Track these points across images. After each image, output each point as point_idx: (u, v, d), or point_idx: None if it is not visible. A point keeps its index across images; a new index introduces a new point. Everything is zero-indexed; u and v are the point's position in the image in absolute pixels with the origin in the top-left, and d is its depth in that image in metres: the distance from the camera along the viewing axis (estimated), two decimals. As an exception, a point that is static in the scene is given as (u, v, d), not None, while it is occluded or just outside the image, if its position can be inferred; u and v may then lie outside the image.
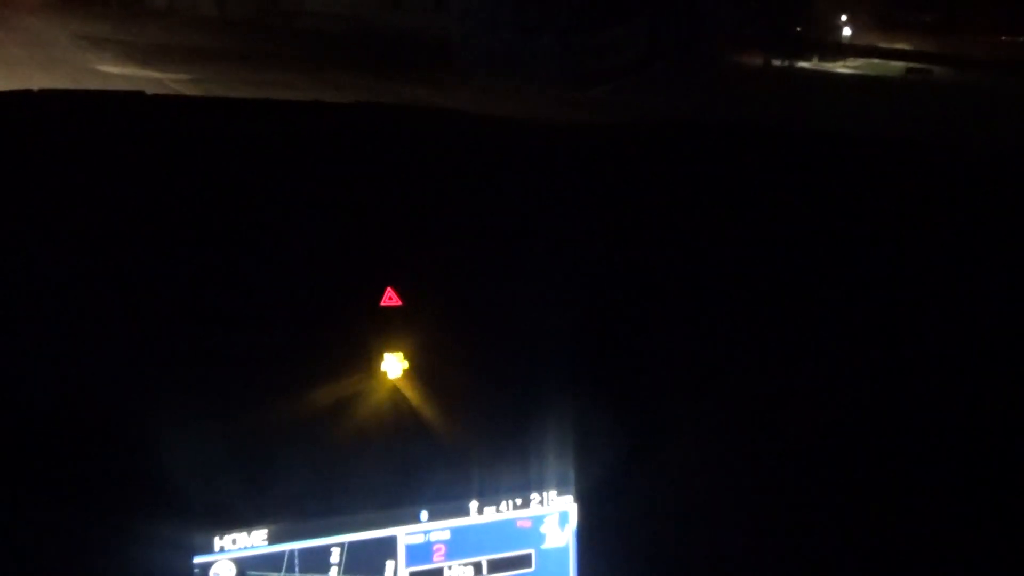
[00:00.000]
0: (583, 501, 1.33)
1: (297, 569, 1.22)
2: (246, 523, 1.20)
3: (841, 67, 7.21)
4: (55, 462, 1.14)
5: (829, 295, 1.45)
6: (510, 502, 1.31)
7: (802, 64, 6.78)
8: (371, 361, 1.25)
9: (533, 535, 1.32)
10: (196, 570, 1.18)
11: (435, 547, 1.28)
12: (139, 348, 1.18)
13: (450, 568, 1.28)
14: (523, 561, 1.32)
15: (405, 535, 1.26)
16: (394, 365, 1.25)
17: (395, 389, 1.25)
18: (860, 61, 7.35)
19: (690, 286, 1.42)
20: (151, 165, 1.27)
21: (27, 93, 1.26)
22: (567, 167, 1.41)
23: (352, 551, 1.24)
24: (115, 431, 1.16)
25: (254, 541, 1.20)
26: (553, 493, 1.32)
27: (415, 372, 1.26)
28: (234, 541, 1.19)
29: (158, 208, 1.24)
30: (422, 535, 1.27)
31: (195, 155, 1.30)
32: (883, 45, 7.48)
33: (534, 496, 1.32)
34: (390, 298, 1.25)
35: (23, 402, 1.13)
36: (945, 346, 1.46)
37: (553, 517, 1.32)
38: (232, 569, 1.19)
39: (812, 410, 1.44)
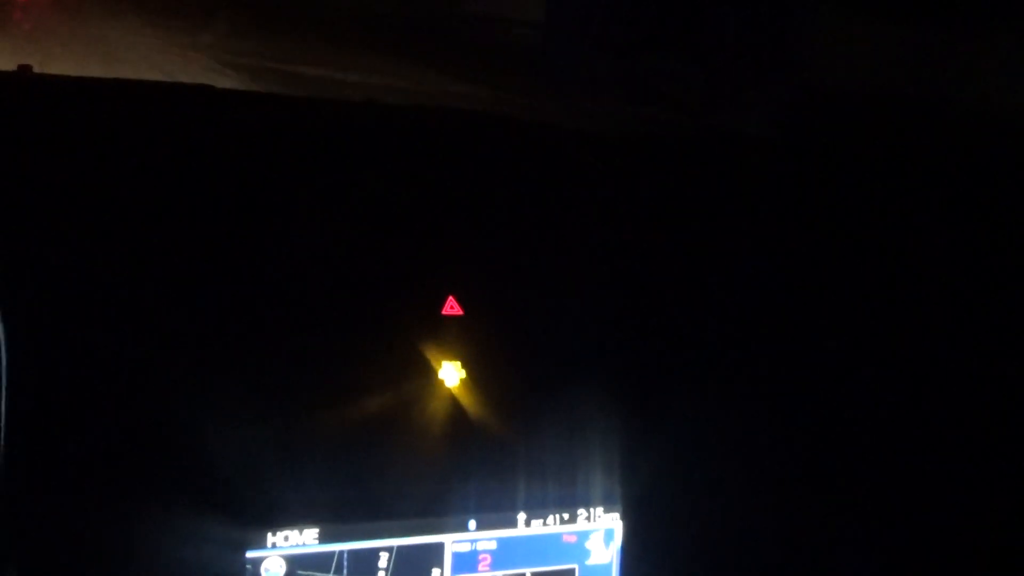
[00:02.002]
0: (629, 519, 1.34)
1: (345, 571, 1.23)
2: (298, 521, 1.21)
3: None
4: (114, 455, 1.15)
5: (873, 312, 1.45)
6: (557, 516, 1.31)
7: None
8: (429, 369, 1.26)
9: (578, 550, 1.32)
10: (248, 565, 1.19)
11: (481, 557, 1.29)
12: (198, 347, 1.19)
13: (495, 578, 1.29)
14: (567, 576, 1.32)
15: (452, 543, 1.27)
16: (452, 373, 1.26)
17: (451, 397, 1.26)
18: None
19: (739, 307, 1.43)
20: (215, 162, 1.29)
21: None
22: (625, 178, 1.41)
23: (400, 556, 1.25)
24: (175, 428, 1.17)
25: (305, 539, 1.21)
26: (600, 510, 1.33)
27: (472, 381, 1.27)
28: (286, 538, 1.20)
29: (223, 207, 1.26)
30: (469, 544, 1.28)
31: (257, 154, 1.32)
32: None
33: (581, 511, 1.32)
34: (451, 307, 1.26)
35: (79, 398, 1.14)
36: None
37: (599, 533, 1.33)
38: (283, 566, 1.20)
39: (860, 429, 1.45)
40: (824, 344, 1.47)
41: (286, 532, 1.21)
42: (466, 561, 1.28)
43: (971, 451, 1.47)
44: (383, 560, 1.24)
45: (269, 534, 1.20)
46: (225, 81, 3.38)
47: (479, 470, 1.29)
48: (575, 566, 1.32)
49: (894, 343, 1.47)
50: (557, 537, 1.32)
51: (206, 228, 1.23)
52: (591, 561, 1.33)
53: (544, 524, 1.31)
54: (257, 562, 1.20)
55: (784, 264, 1.44)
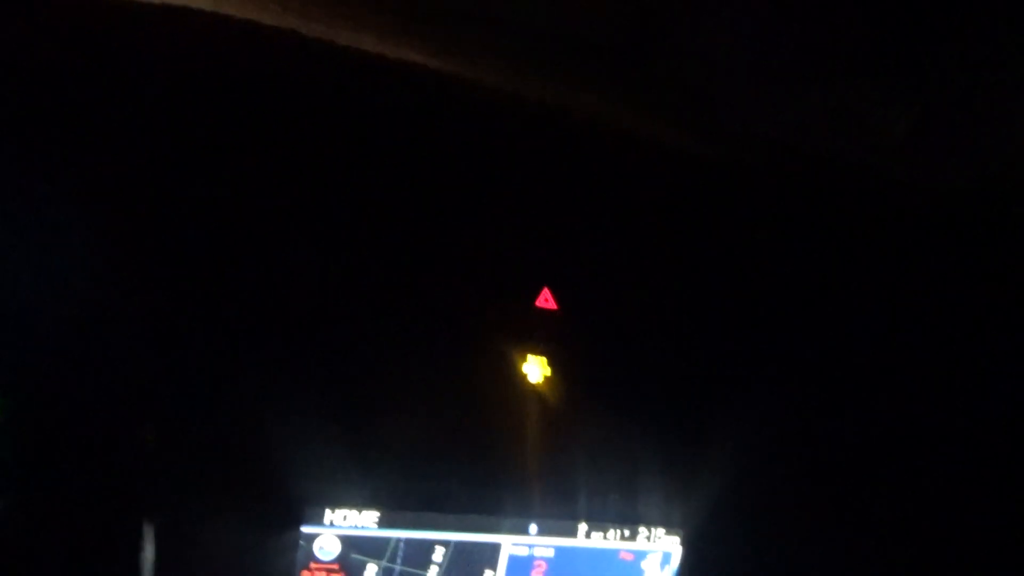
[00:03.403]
0: (689, 544, 1.29)
1: (400, 560, 1.17)
2: (359, 503, 1.15)
3: None
4: (180, 421, 1.09)
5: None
6: (618, 531, 1.26)
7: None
8: (514, 362, 1.20)
9: (633, 569, 1.27)
10: (303, 540, 1.13)
11: (536, 563, 1.23)
12: (277, 326, 1.13)
13: (546, 587, 1.24)
14: (618, 594, 1.27)
15: (511, 544, 1.21)
16: (536, 370, 1.20)
17: (532, 395, 1.21)
18: None
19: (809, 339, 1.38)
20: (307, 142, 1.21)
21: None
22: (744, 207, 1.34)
23: (457, 552, 1.19)
24: (247, 400, 1.11)
25: (364, 522, 1.15)
26: (661, 531, 1.28)
27: (555, 381, 1.21)
28: (344, 518, 1.14)
29: (321, 183, 1.18)
30: (527, 548, 1.22)
31: (356, 135, 1.25)
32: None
33: (642, 530, 1.27)
34: (546, 300, 1.20)
35: (146, 375, 1.07)
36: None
37: (656, 555, 1.28)
38: (337, 545, 1.14)
39: (923, 460, 1.40)
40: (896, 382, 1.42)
41: (345, 512, 1.15)
42: (521, 566, 1.22)
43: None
44: (438, 554, 1.18)
45: (328, 510, 1.14)
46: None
47: (547, 474, 1.23)
48: (628, 585, 1.27)
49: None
50: (614, 553, 1.26)
51: (298, 210, 1.16)
52: (645, 582, 1.28)
53: (604, 538, 1.25)
54: (311, 538, 1.14)
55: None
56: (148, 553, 0.93)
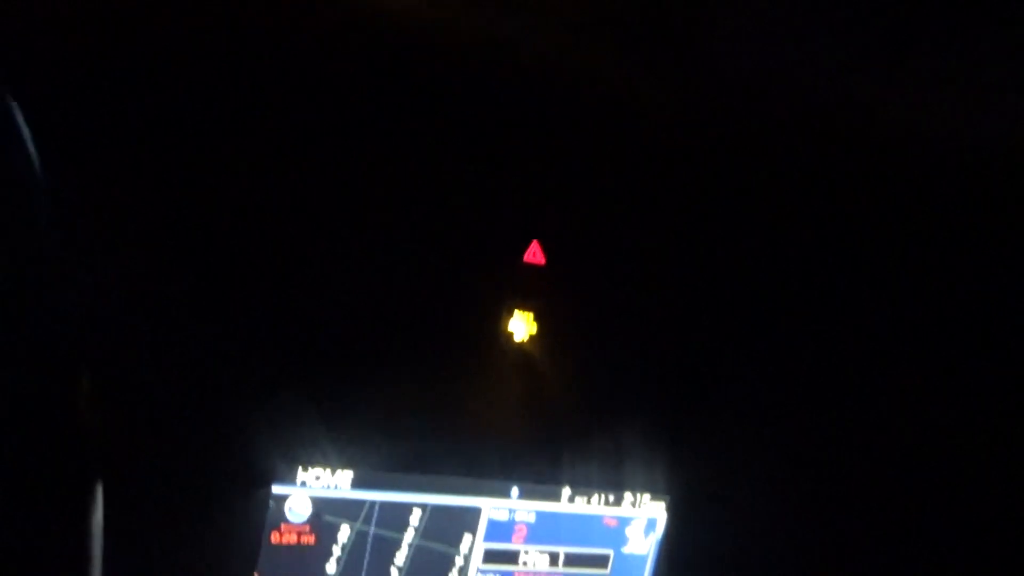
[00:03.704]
0: (674, 510, 1.24)
1: (375, 523, 1.11)
2: (332, 462, 1.09)
3: None
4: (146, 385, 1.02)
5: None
6: (602, 496, 1.21)
7: None
8: (500, 319, 1.14)
9: (616, 536, 1.23)
10: (273, 501, 1.07)
11: (517, 527, 1.18)
12: (250, 275, 1.06)
13: (527, 552, 1.19)
14: (600, 561, 1.22)
15: (491, 508, 1.16)
16: (521, 327, 1.15)
17: (517, 353, 1.15)
18: None
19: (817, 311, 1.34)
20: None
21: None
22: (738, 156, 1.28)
23: (434, 514, 1.13)
24: (216, 353, 1.04)
25: (338, 482, 1.09)
26: (647, 496, 1.23)
27: (540, 338, 1.16)
28: (317, 478, 1.09)
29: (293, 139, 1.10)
30: (507, 512, 1.17)
31: (338, 87, 1.17)
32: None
33: (627, 496, 1.22)
34: (534, 254, 1.14)
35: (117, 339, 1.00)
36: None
37: (640, 521, 1.23)
38: (309, 507, 1.09)
39: (911, 429, 1.37)
40: (881, 352, 1.38)
41: (318, 471, 1.09)
42: (502, 530, 1.17)
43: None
44: (415, 516, 1.13)
45: (300, 469, 1.08)
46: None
47: (531, 435, 1.18)
48: (611, 551, 1.23)
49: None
50: (598, 519, 1.22)
51: (269, 163, 1.08)
52: (628, 549, 1.23)
53: (588, 503, 1.21)
54: (282, 499, 1.08)
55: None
56: (98, 516, 0.86)
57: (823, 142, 1.19)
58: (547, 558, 1.20)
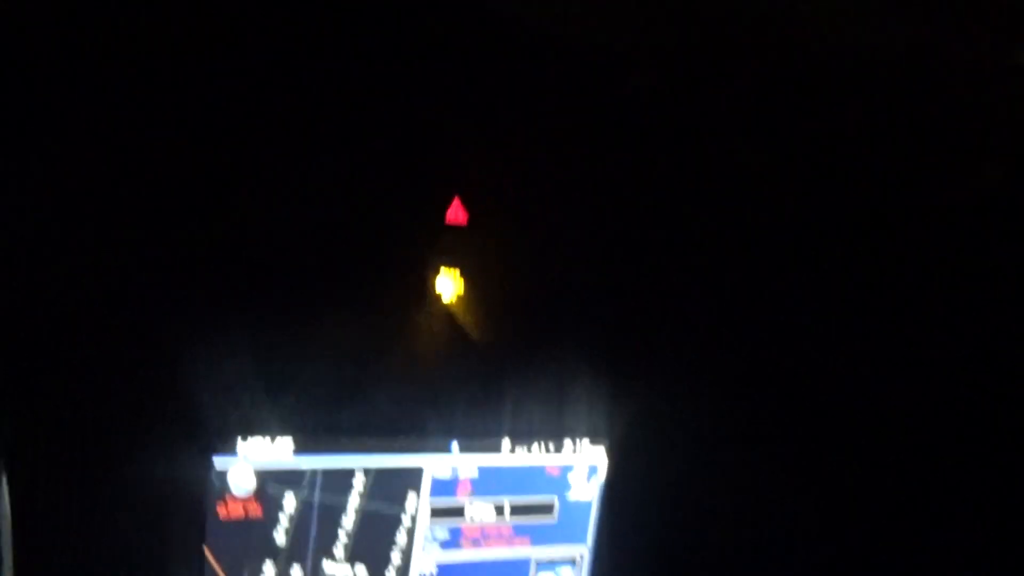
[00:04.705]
0: (614, 455, 1.27)
1: (319, 488, 1.13)
2: (271, 429, 1.10)
3: None
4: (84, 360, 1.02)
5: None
6: (543, 444, 1.24)
7: None
8: (426, 278, 1.16)
9: (560, 484, 1.25)
10: (213, 475, 1.08)
11: (460, 483, 1.20)
12: (178, 248, 1.06)
13: (472, 505, 1.21)
14: (546, 509, 1.25)
15: (433, 466, 1.18)
16: (448, 286, 1.16)
17: (445, 312, 1.17)
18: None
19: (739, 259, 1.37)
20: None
21: None
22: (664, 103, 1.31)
23: (377, 477, 1.15)
24: (147, 327, 1.04)
25: (278, 451, 1.10)
26: (586, 441, 1.26)
27: (468, 296, 1.18)
28: (257, 447, 1.10)
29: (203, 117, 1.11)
30: (450, 469, 1.19)
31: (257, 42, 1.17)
32: None
33: (567, 442, 1.25)
34: (456, 213, 1.16)
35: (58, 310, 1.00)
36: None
37: (582, 468, 1.26)
38: (252, 478, 1.10)
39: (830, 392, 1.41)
40: (810, 316, 1.42)
41: (258, 440, 1.10)
42: (446, 487, 1.19)
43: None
44: (358, 481, 1.15)
45: (239, 439, 1.09)
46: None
47: (466, 390, 1.20)
48: (555, 498, 1.25)
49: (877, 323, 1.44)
50: (540, 469, 1.24)
51: (199, 125, 1.08)
52: (572, 496, 1.26)
53: (528, 451, 1.23)
54: (224, 471, 1.08)
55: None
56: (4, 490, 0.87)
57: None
58: (493, 510, 1.22)
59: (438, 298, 1.16)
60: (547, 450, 1.24)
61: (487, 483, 1.21)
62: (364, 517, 1.16)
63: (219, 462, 1.08)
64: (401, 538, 1.17)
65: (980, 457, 1.43)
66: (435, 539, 1.19)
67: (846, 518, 1.40)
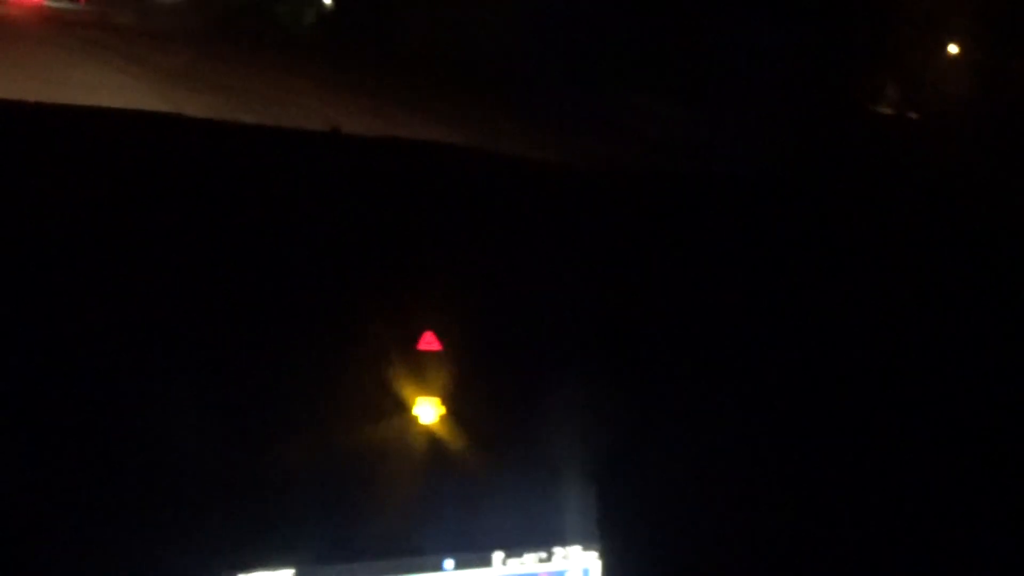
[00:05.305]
0: (607, 558, 1.32)
1: (322, 615, 1.19)
2: (271, 562, 1.17)
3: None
4: (82, 483, 1.12)
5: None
6: (535, 555, 1.29)
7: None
8: (405, 405, 1.23)
9: (555, 590, 1.30)
10: (217, 613, 1.15)
11: (457, 598, 1.25)
12: (170, 377, 1.17)
13: (470, 621, 1.26)
14: (544, 616, 1.29)
15: (429, 585, 1.24)
16: (428, 410, 1.24)
17: (427, 434, 1.24)
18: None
19: (713, 350, 1.42)
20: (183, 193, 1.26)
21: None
22: (602, 213, 1.40)
23: (376, 599, 1.21)
24: (142, 464, 1.14)
25: (279, 582, 1.17)
26: (577, 548, 1.31)
27: (449, 418, 1.25)
28: (258, 581, 1.17)
29: (195, 235, 1.23)
30: (445, 586, 1.25)
31: (230, 185, 1.30)
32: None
33: (557, 550, 1.30)
34: (428, 342, 1.24)
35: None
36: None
37: (575, 573, 1.30)
38: (256, 612, 1.17)
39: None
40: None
41: (259, 574, 1.17)
42: (442, 603, 1.25)
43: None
44: (359, 605, 1.21)
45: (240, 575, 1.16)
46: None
47: (455, 508, 1.26)
48: (552, 606, 1.30)
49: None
50: (533, 576, 1.29)
51: (180, 257, 1.21)
52: (569, 601, 1.30)
53: (522, 563, 1.28)
54: (226, 609, 1.16)
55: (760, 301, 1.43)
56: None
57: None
58: (490, 623, 1.27)
59: (418, 421, 1.24)
60: (540, 560, 1.29)
61: (483, 597, 1.27)
62: (366, 639, 1.21)
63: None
64: (404, 656, 1.23)
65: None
66: (438, 655, 1.24)
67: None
